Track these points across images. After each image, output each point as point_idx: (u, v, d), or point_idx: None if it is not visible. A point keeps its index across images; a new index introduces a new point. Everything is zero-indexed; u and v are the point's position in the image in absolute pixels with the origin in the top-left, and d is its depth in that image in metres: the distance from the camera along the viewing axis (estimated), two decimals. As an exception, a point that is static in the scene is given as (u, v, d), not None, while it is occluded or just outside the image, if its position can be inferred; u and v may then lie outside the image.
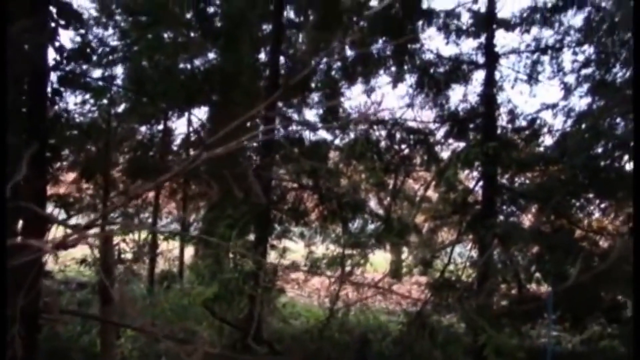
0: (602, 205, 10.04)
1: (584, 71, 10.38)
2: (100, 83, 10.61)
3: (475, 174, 10.61)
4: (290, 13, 11.72)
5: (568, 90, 10.39)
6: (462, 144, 10.67)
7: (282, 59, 10.85)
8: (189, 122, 11.26)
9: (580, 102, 10.30)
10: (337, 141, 11.29)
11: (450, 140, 11.01)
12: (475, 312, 7.29)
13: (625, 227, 9.65)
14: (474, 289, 8.83)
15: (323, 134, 11.19)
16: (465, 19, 10.78)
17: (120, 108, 11.16)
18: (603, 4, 10.06)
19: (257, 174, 9.62)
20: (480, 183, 10.24)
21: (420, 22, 11.03)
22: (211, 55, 11.83)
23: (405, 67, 11.21)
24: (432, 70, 10.85)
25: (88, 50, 8.98)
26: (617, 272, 8.77)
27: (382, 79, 11.53)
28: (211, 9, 11.78)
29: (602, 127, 9.18)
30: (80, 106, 10.62)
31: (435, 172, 10.51)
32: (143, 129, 11.51)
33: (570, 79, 10.41)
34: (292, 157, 9.91)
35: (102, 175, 10.45)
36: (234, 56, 10.91)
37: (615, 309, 8.98)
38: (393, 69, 11.39)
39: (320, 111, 11.46)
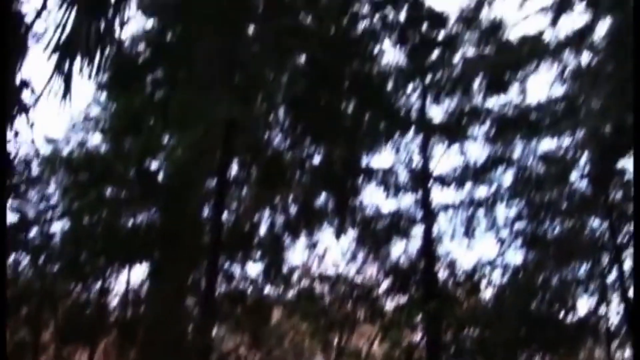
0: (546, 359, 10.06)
1: (517, 225, 10.81)
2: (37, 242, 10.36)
3: (419, 328, 10.56)
4: (233, 169, 11.90)
5: (503, 244, 10.73)
6: (405, 297, 10.73)
7: (225, 214, 10.89)
8: (128, 281, 10.99)
9: (515, 256, 10.62)
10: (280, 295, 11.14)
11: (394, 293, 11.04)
12: None
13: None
14: None
15: (266, 289, 11.04)
16: (403, 176, 11.26)
17: (56, 267, 10.78)
18: (528, 164, 10.71)
19: (195, 335, 9.33)
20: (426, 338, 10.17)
21: (360, 178, 11.46)
22: (153, 210, 11.75)
23: (347, 221, 11.43)
24: (372, 225, 11.09)
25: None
26: None
27: (325, 233, 11.73)
28: (154, 165, 11.87)
29: (536, 285, 9.44)
30: (14, 265, 10.25)
31: (379, 326, 10.43)
32: (79, 287, 11.10)
33: (505, 233, 10.79)
34: (233, 315, 9.69)
35: (32, 341, 9.89)
36: (176, 213, 10.90)
37: None
38: (336, 222, 11.59)
39: (264, 266, 11.36)
